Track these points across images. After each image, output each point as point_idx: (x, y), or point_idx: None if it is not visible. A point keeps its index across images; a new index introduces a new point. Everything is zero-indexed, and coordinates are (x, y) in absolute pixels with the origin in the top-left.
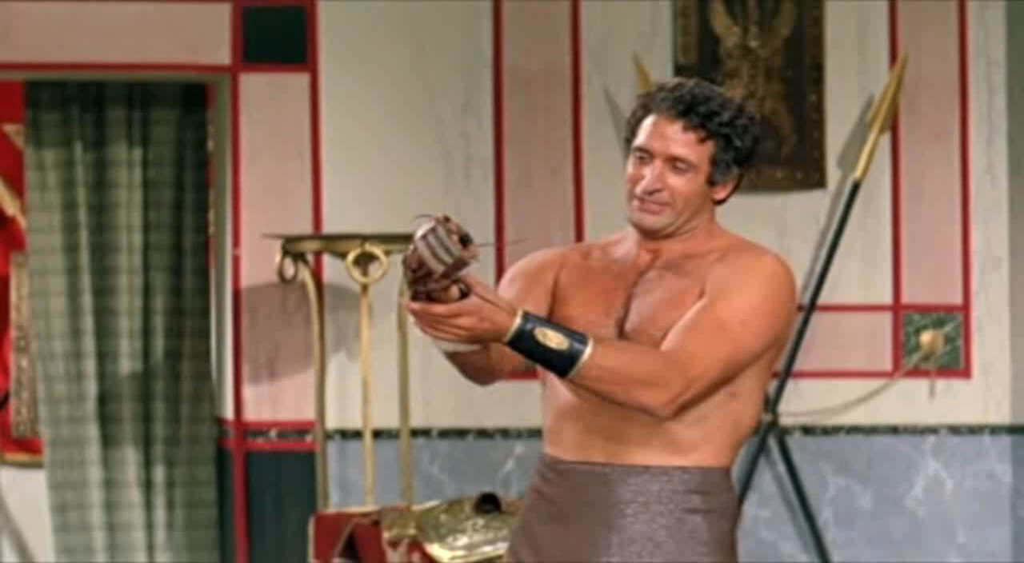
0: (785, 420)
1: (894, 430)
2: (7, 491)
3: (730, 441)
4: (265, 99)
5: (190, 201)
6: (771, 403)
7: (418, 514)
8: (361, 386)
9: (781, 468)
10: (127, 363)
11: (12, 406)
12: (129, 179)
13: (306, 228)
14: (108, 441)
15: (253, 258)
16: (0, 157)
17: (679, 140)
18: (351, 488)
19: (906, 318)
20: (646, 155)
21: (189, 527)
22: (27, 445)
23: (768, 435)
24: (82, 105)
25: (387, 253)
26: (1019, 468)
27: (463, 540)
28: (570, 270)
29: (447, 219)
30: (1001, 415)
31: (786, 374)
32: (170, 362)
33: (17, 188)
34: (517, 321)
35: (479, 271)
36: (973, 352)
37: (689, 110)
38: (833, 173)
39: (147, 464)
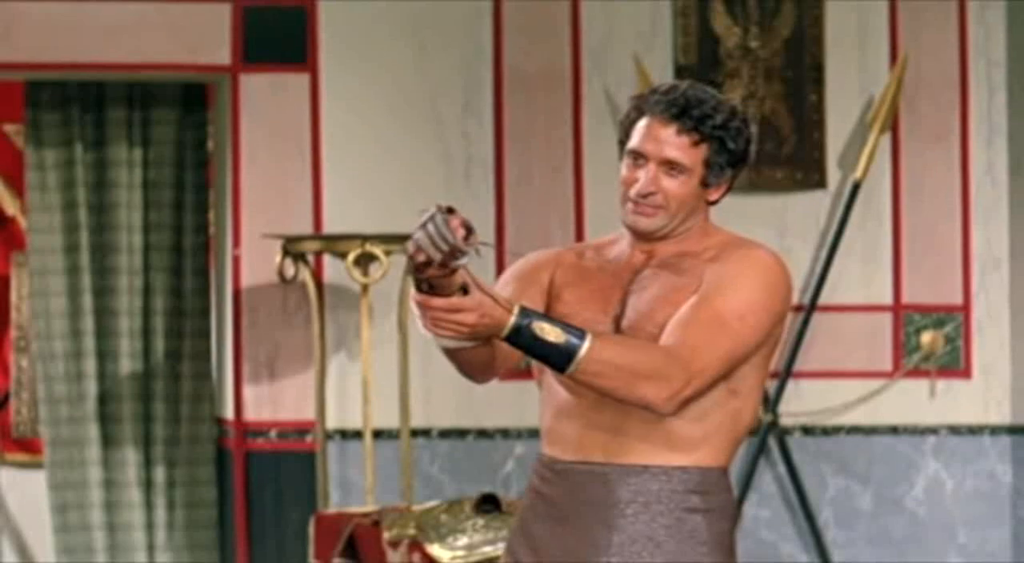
0: (785, 420)
1: (894, 430)
2: (7, 491)
3: (729, 439)
4: (265, 99)
5: (190, 201)
6: (771, 403)
7: (418, 514)
8: (361, 386)
9: (781, 468)
10: (127, 363)
11: (12, 406)
12: (129, 179)
13: (306, 228)
14: (108, 441)
15: (253, 258)
16: (0, 157)
17: (673, 143)
18: (351, 488)
19: (906, 318)
20: (640, 158)
21: (189, 527)
22: (27, 445)
23: (768, 435)
24: (82, 105)
25: (387, 253)
26: (1019, 468)
27: (463, 540)
28: (566, 270)
29: (450, 209)
30: (1001, 415)
31: (786, 374)
32: (170, 362)
33: (17, 188)
34: (514, 316)
35: (479, 273)
36: (973, 352)
37: (683, 113)
38: (833, 173)
39: (147, 464)
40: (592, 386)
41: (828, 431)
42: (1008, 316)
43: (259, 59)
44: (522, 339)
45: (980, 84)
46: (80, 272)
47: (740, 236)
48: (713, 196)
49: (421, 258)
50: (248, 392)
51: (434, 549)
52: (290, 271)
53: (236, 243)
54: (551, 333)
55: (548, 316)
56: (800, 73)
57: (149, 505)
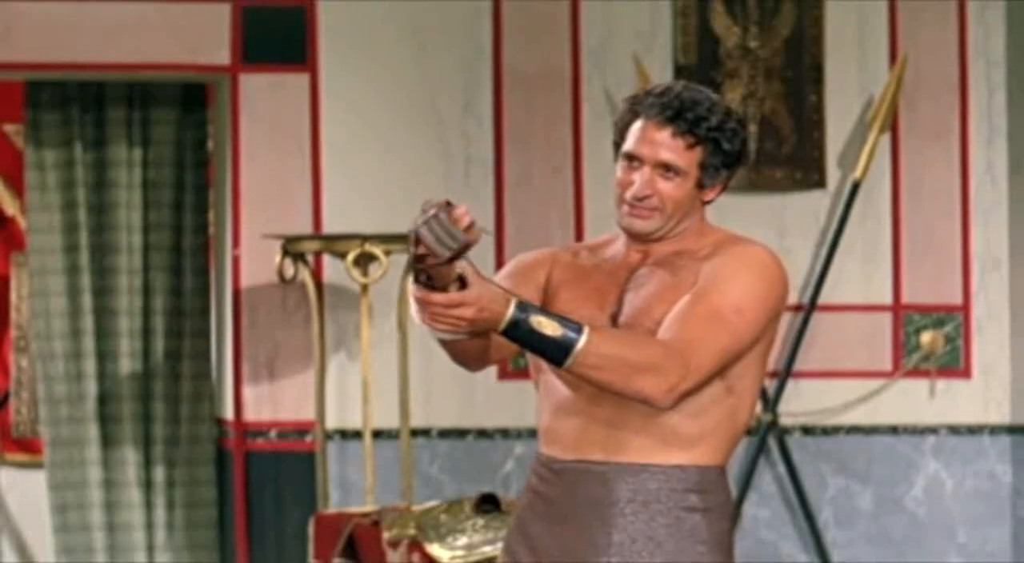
0: (785, 420)
1: (894, 430)
2: (7, 491)
3: (726, 438)
4: (265, 99)
5: (190, 201)
6: (771, 403)
7: (418, 514)
8: (361, 386)
9: (781, 468)
10: (127, 363)
11: (12, 406)
12: (129, 179)
13: (306, 228)
14: (108, 441)
15: (253, 258)
16: (0, 157)
17: (668, 146)
18: (351, 488)
19: (906, 318)
20: (635, 161)
21: (189, 527)
22: (27, 445)
23: (768, 435)
24: (82, 105)
25: (387, 253)
26: (1019, 468)
27: (463, 540)
28: (562, 269)
29: (449, 204)
30: (1001, 415)
31: (786, 374)
32: (170, 362)
33: (17, 188)
34: (512, 310)
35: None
36: (973, 352)
37: (677, 116)
38: (833, 173)
39: (147, 464)
40: (590, 379)
41: (828, 431)
42: (1008, 316)
43: (259, 59)
44: (520, 333)
45: (980, 84)
46: (80, 272)
47: (736, 234)
48: (708, 196)
49: (423, 251)
50: (248, 392)
51: (434, 549)
52: (290, 271)
53: (236, 243)
54: (548, 327)
55: (546, 310)
56: (800, 73)
57: (149, 505)
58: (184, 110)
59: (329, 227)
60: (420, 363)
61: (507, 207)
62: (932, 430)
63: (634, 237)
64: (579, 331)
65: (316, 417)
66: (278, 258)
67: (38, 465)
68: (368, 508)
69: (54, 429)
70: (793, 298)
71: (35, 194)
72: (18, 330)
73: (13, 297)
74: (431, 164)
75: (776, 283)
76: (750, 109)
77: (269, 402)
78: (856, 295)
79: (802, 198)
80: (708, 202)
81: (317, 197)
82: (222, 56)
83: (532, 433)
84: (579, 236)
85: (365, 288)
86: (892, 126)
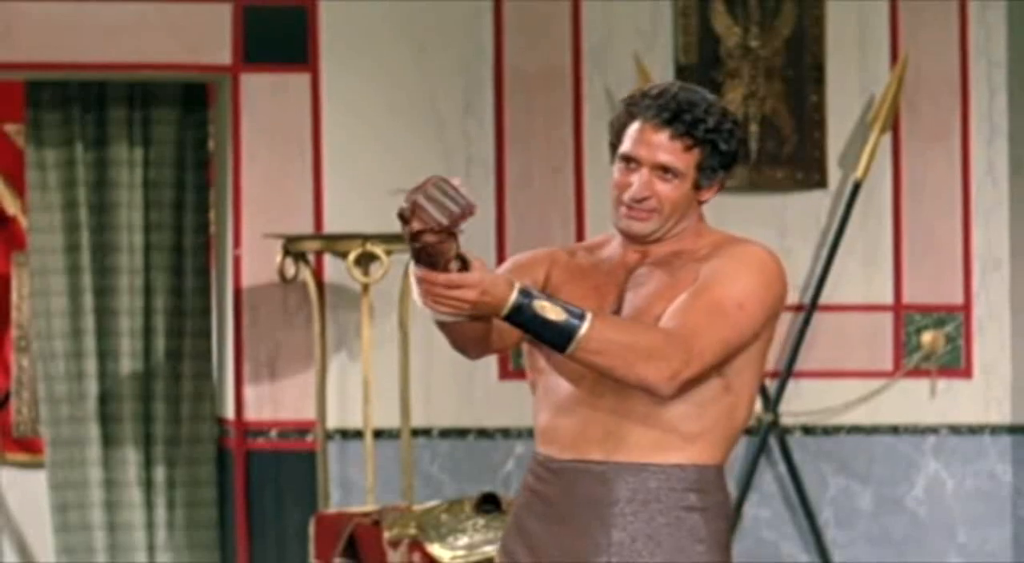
0: (786, 420)
1: (894, 430)
2: (7, 491)
3: (725, 436)
4: (266, 99)
5: (191, 201)
6: (771, 403)
7: (419, 514)
8: (362, 386)
9: (782, 468)
10: (128, 363)
11: (13, 406)
12: (130, 179)
13: (307, 228)
14: (109, 441)
15: (254, 258)
16: (1, 157)
17: (666, 148)
18: (352, 488)
19: (907, 318)
20: (633, 163)
21: (190, 527)
22: (28, 445)
23: (768, 435)
24: (83, 105)
25: (388, 253)
26: (1019, 468)
27: (464, 540)
28: (561, 268)
29: (443, 179)
30: (1002, 415)
31: (786, 374)
32: (171, 362)
33: (18, 188)
34: (515, 293)
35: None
36: (974, 352)
37: (675, 118)
38: (834, 173)
39: (148, 464)
40: (592, 365)
41: (828, 431)
42: (1008, 316)
43: (259, 59)
44: (523, 317)
45: (981, 84)
46: (81, 271)
47: (733, 235)
48: (705, 197)
49: (417, 226)
50: (249, 392)
51: (434, 549)
52: (291, 271)
53: (237, 243)
54: (551, 311)
55: (548, 295)
56: (801, 73)
57: (149, 505)
58: (185, 110)
59: (330, 227)
60: (421, 363)
61: (508, 207)
62: (933, 430)
63: (632, 238)
64: (582, 317)
65: (317, 417)
66: (279, 258)
67: (39, 465)
68: (369, 508)
69: (55, 429)
70: (794, 298)
71: (36, 194)
72: (19, 330)
73: (14, 296)
74: (431, 164)
75: (775, 281)
76: (751, 109)
77: (270, 402)
78: (857, 295)
79: (803, 198)
80: (704, 202)
81: (318, 197)
82: (223, 56)
83: (532, 433)
84: (580, 236)
85: (366, 288)
86: (893, 126)
